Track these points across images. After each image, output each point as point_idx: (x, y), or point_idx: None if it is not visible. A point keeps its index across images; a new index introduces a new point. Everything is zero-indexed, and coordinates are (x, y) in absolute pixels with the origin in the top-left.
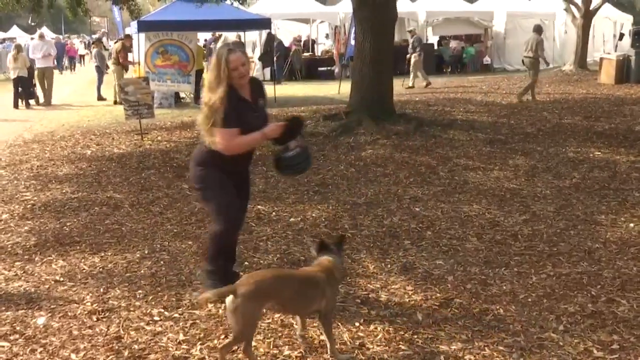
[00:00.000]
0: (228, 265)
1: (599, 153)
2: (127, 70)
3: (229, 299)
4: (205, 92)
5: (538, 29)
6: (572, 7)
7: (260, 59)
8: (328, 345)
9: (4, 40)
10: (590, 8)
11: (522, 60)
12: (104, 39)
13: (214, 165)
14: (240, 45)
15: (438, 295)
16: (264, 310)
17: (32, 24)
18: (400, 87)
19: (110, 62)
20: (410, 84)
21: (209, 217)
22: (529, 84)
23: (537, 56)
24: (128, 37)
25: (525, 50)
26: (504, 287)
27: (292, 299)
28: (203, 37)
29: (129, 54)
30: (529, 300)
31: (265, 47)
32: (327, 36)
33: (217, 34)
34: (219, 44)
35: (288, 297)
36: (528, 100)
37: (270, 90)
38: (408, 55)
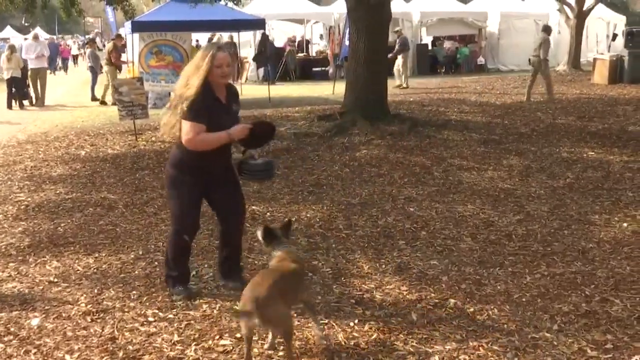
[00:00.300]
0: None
1: (593, 153)
2: (120, 70)
3: (252, 322)
4: (180, 82)
5: (546, 29)
6: (566, 8)
7: (254, 59)
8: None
9: None
10: (584, 9)
11: (529, 60)
12: (97, 39)
13: (188, 167)
14: (232, 46)
15: (432, 295)
16: None
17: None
18: (393, 87)
19: (103, 63)
20: (404, 85)
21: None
22: (547, 83)
23: (543, 56)
24: (119, 36)
25: (533, 50)
26: (498, 287)
27: (287, 293)
28: (196, 37)
29: (122, 54)
30: (523, 300)
31: (259, 48)
32: (321, 37)
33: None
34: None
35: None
36: (546, 98)
37: (264, 90)
38: (390, 55)
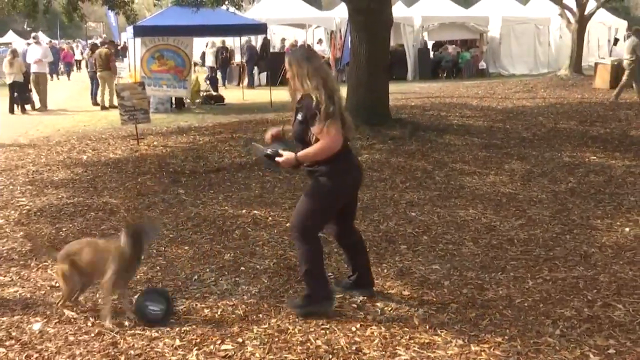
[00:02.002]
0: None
1: (595, 157)
2: (115, 74)
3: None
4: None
5: (637, 33)
6: (567, 13)
7: (255, 63)
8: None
9: None
10: (585, 13)
11: (622, 62)
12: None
13: None
14: (224, 50)
15: (434, 300)
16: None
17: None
18: (395, 92)
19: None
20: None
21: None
22: (623, 84)
23: (634, 58)
24: (111, 42)
25: (627, 53)
26: (500, 292)
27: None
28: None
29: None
30: (525, 304)
31: (261, 53)
32: (319, 41)
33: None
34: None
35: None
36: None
37: (266, 95)
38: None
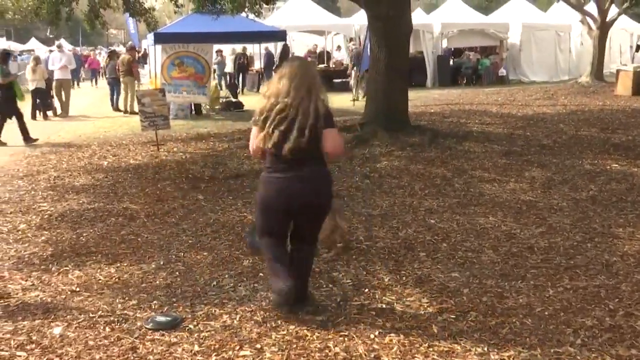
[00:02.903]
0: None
1: (616, 165)
2: (139, 80)
3: None
4: (309, 94)
5: None
6: (588, 19)
7: (274, 70)
8: None
9: (22, 52)
10: (607, 20)
11: None
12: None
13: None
14: (242, 56)
15: (453, 307)
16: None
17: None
18: (414, 98)
19: (120, 74)
20: (355, 97)
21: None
22: None
23: None
24: (132, 48)
25: None
26: (520, 300)
27: None
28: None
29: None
30: (546, 313)
31: (280, 59)
32: (338, 48)
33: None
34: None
35: None
36: None
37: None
38: (348, 71)
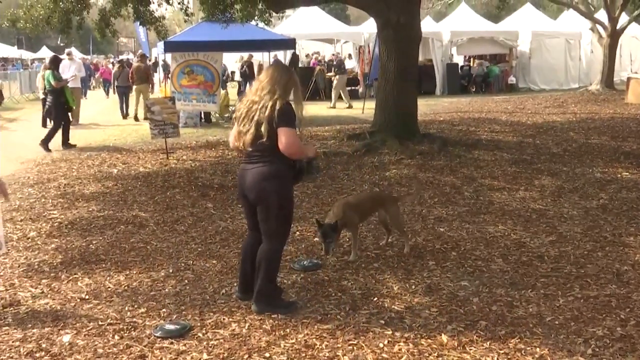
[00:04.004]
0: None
1: (627, 174)
2: (153, 87)
3: None
4: (271, 94)
5: None
6: (598, 27)
7: None
8: None
9: (33, 60)
10: (617, 27)
11: None
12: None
13: (288, 179)
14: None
15: (463, 317)
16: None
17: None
18: (424, 106)
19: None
20: (331, 105)
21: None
22: None
23: None
24: (143, 56)
25: None
26: (530, 310)
27: None
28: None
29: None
30: (556, 323)
31: (290, 67)
32: (349, 56)
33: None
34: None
35: None
36: None
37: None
38: (329, 76)
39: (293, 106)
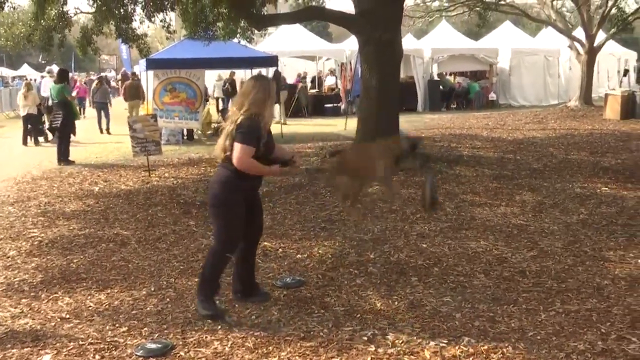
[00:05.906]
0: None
1: (606, 189)
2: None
3: None
4: (239, 107)
5: None
6: (576, 44)
7: None
8: None
9: (14, 78)
10: (594, 45)
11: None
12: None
13: (237, 186)
14: (226, 82)
15: (446, 332)
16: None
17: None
18: (405, 123)
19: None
20: (282, 121)
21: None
22: None
23: None
24: (134, 74)
25: None
26: (512, 325)
27: None
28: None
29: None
30: (538, 337)
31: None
32: (331, 72)
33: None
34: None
35: None
36: None
37: (277, 126)
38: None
39: (260, 120)
